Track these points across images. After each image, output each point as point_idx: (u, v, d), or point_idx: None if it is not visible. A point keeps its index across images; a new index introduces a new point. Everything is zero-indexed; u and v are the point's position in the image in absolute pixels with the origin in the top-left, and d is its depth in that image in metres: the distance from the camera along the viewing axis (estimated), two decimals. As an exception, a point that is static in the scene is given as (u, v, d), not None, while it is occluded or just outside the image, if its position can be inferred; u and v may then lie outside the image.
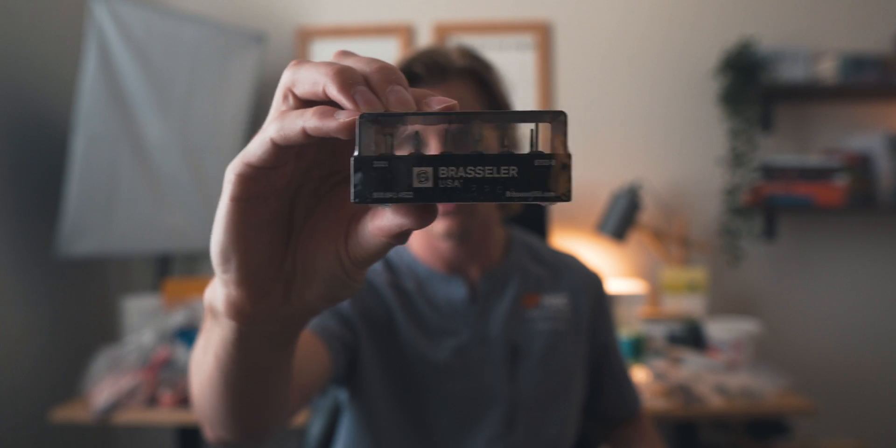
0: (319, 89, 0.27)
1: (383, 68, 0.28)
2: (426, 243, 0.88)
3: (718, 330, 1.80)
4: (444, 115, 0.27)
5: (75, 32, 2.03)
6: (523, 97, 2.26)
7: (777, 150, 2.24)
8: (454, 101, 0.28)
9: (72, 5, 2.05)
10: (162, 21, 1.90)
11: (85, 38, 1.82)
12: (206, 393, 0.45)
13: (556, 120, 0.27)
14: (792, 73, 2.11)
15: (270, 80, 2.28)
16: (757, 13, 2.25)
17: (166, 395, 1.52)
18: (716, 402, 1.52)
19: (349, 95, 0.27)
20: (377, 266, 0.89)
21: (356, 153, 0.27)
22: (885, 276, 2.26)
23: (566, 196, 0.27)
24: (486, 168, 0.27)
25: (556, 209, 2.23)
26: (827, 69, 2.11)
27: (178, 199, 1.98)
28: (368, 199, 0.27)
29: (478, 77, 0.83)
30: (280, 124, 0.27)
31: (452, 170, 0.27)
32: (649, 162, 2.27)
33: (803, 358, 2.23)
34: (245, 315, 0.34)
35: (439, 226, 0.81)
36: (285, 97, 0.29)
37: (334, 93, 0.27)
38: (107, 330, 2.17)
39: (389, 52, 2.27)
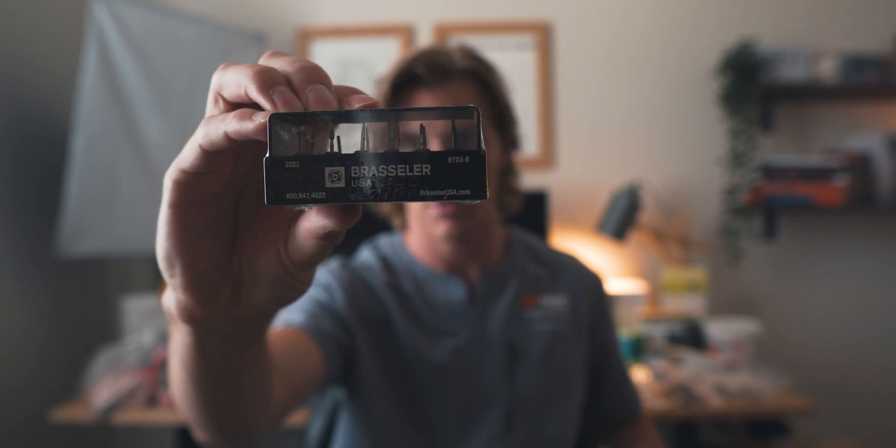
0: (242, 91, 0.27)
1: (305, 67, 0.28)
2: (426, 244, 0.87)
3: (718, 330, 1.80)
4: (355, 114, 0.27)
5: (75, 32, 2.03)
6: (523, 97, 2.26)
7: (777, 150, 2.24)
8: (375, 99, 0.28)
9: (72, 5, 2.05)
10: (162, 21, 1.90)
11: (85, 38, 1.82)
12: (181, 396, 0.45)
13: (468, 116, 0.27)
14: (792, 73, 2.11)
15: (270, 80, 2.28)
16: (757, 13, 2.25)
17: (166, 395, 1.52)
18: (716, 402, 1.52)
19: (267, 96, 0.26)
20: (375, 266, 0.89)
21: (267, 154, 0.26)
22: (885, 276, 2.26)
23: (481, 193, 0.26)
24: (399, 167, 0.26)
25: (557, 209, 2.23)
26: (827, 69, 2.11)
27: (178, 199, 1.98)
28: (281, 201, 0.26)
29: (479, 78, 0.83)
30: (206, 130, 0.27)
31: (365, 169, 0.26)
32: (649, 162, 2.27)
33: (803, 358, 2.23)
34: (195, 318, 0.34)
35: (440, 228, 0.81)
36: (216, 101, 0.29)
37: (254, 93, 0.27)
38: (107, 330, 2.17)
39: (389, 52, 2.27)
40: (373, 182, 0.26)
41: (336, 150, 0.27)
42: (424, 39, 2.28)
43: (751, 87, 2.09)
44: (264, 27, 2.26)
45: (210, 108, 0.30)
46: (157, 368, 1.59)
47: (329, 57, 2.28)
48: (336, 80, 2.28)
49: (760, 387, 1.56)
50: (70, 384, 1.90)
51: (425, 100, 0.80)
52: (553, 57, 2.28)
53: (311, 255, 0.30)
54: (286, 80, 0.27)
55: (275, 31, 2.27)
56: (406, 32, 2.27)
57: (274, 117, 0.26)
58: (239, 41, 2.07)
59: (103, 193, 1.80)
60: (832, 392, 2.21)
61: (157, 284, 2.09)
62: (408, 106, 0.81)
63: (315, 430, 0.95)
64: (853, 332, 2.25)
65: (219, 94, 0.29)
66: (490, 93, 0.84)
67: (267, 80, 0.27)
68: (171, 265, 0.32)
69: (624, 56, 2.28)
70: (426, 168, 0.26)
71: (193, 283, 0.32)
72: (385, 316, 0.85)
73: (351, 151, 0.26)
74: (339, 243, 0.30)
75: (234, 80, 0.28)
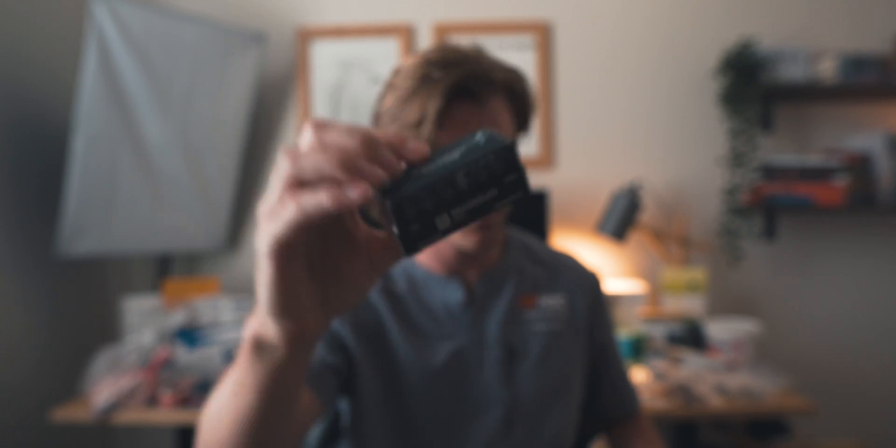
0: (326, 173, 0.32)
1: (366, 140, 0.34)
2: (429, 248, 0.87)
3: (718, 330, 1.80)
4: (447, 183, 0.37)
5: (75, 32, 2.03)
6: (523, 97, 2.26)
7: (777, 150, 2.24)
8: (426, 148, 0.37)
9: (72, 5, 2.05)
10: (162, 21, 1.90)
11: (85, 38, 1.82)
12: (246, 428, 0.46)
13: (511, 150, 0.38)
14: (792, 73, 2.11)
15: (270, 80, 2.28)
16: (757, 13, 2.25)
17: (166, 395, 1.52)
18: (716, 402, 1.52)
19: (355, 176, 0.33)
20: None
21: (396, 230, 0.37)
22: (885, 276, 2.26)
23: (527, 190, 0.39)
24: (478, 197, 0.37)
25: (557, 209, 2.23)
26: (827, 69, 2.11)
27: (178, 199, 1.98)
28: (418, 251, 0.38)
29: (511, 92, 0.81)
30: (297, 206, 0.32)
31: (460, 209, 0.37)
32: (649, 162, 2.27)
33: (803, 358, 2.23)
34: (306, 336, 0.39)
35: (470, 240, 0.80)
36: (289, 186, 0.33)
37: (341, 176, 0.32)
38: (107, 330, 2.17)
39: (389, 52, 2.27)
40: (466, 213, 0.37)
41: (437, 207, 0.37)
42: (424, 39, 2.28)
43: (751, 87, 2.09)
44: (264, 27, 2.26)
45: (281, 192, 0.33)
46: (157, 368, 1.59)
47: (329, 57, 2.28)
48: (336, 79, 2.28)
49: (760, 387, 1.56)
50: (70, 384, 1.90)
51: (466, 113, 0.77)
52: (553, 57, 2.28)
53: (392, 261, 0.41)
54: (362, 160, 0.33)
55: (275, 31, 2.27)
56: (406, 32, 2.27)
57: (396, 200, 0.36)
58: (239, 41, 2.07)
59: (103, 193, 1.81)
60: (832, 392, 2.21)
61: (157, 284, 2.09)
62: (449, 116, 0.78)
63: (313, 436, 0.95)
64: (853, 332, 2.25)
65: (294, 180, 0.33)
66: (518, 105, 0.82)
67: (348, 164, 0.33)
68: (283, 312, 0.37)
69: (624, 56, 2.28)
70: (493, 191, 0.38)
71: (303, 316, 0.38)
72: (378, 323, 0.84)
73: (449, 198, 0.37)
74: None
75: (313, 167, 0.33)
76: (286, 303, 0.37)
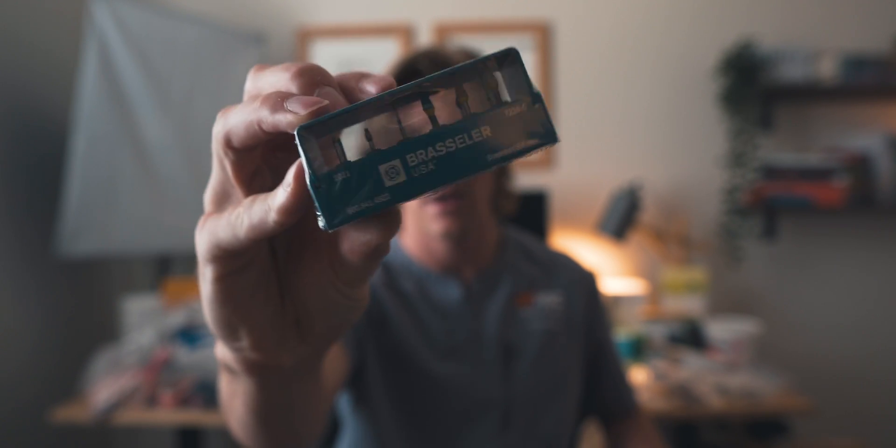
0: (255, 128, 0.24)
1: (302, 72, 0.24)
2: (421, 243, 0.87)
3: (718, 330, 1.80)
4: (384, 98, 0.23)
5: (75, 32, 2.03)
6: (523, 97, 2.26)
7: (777, 150, 2.24)
8: (387, 75, 0.25)
9: (72, 5, 2.05)
10: (162, 21, 1.90)
11: (85, 38, 1.82)
12: (247, 431, 0.45)
13: (509, 60, 0.24)
14: (792, 73, 2.11)
15: (270, 80, 2.28)
16: (757, 13, 2.25)
17: (166, 395, 1.52)
18: (716, 402, 1.52)
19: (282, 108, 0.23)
20: None
21: (308, 173, 0.23)
22: (884, 276, 2.26)
23: (551, 137, 0.24)
24: (458, 138, 0.23)
25: (557, 209, 2.22)
26: (827, 69, 2.11)
27: (178, 199, 1.98)
28: (344, 220, 0.23)
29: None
30: (248, 213, 0.25)
31: (422, 153, 0.23)
32: (649, 162, 2.27)
33: (803, 358, 2.23)
34: (267, 369, 0.33)
35: (437, 226, 0.80)
36: (227, 153, 0.26)
37: (269, 125, 0.23)
38: (107, 330, 2.17)
39: (389, 52, 2.27)
40: (434, 165, 0.23)
41: (374, 148, 0.24)
42: (424, 39, 2.28)
43: (751, 87, 2.09)
44: (264, 27, 2.26)
45: (222, 165, 0.26)
46: (157, 368, 1.59)
47: (329, 57, 2.28)
48: (336, 80, 2.28)
49: (760, 387, 1.56)
50: (70, 384, 1.90)
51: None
52: (553, 57, 2.28)
53: (360, 273, 0.28)
54: (290, 95, 0.24)
55: (275, 31, 2.27)
56: (406, 32, 2.27)
57: (303, 129, 0.22)
58: (239, 41, 2.07)
59: (103, 193, 1.80)
60: (832, 392, 2.21)
61: (157, 284, 2.09)
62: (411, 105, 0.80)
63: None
64: (853, 332, 2.25)
65: (227, 144, 0.25)
66: None
67: (275, 103, 0.23)
68: (233, 332, 0.30)
69: (624, 56, 2.28)
70: (486, 130, 0.24)
71: (260, 341, 0.31)
72: (382, 316, 0.85)
73: (394, 144, 0.23)
74: (387, 253, 0.27)
75: (240, 121, 0.24)
76: (244, 322, 0.30)
